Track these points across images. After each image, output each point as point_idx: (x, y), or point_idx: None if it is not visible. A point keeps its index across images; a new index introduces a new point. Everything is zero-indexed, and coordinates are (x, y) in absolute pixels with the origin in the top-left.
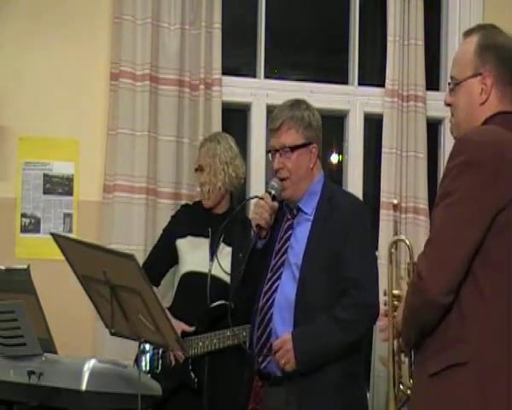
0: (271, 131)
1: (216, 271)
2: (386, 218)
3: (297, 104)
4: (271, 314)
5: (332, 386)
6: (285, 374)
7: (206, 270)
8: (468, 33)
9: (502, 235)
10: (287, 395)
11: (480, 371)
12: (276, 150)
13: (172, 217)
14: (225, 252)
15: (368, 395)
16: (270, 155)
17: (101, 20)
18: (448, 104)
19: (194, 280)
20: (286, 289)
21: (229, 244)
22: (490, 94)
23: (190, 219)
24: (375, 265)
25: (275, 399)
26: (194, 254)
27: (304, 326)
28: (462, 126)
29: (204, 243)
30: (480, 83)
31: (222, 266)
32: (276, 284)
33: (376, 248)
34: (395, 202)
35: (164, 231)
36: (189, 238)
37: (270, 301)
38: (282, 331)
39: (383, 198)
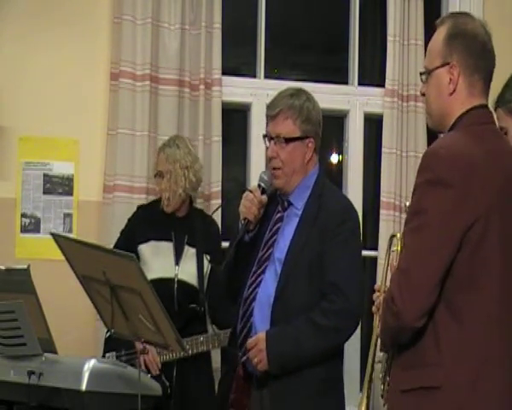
0: (268, 116)
1: (183, 275)
2: (385, 218)
3: (298, 94)
4: (252, 309)
5: (307, 391)
6: (262, 375)
7: (172, 275)
8: (440, 22)
9: (474, 254)
10: (262, 399)
11: (454, 396)
12: (272, 138)
13: (129, 220)
14: (190, 254)
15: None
16: (266, 139)
17: (101, 21)
18: (423, 94)
19: (161, 287)
20: (267, 285)
21: (192, 245)
22: (457, 84)
23: (151, 223)
24: (360, 270)
25: (254, 402)
26: (158, 260)
27: (280, 327)
28: (435, 116)
29: (167, 247)
30: (447, 73)
31: (187, 268)
32: (259, 278)
33: (376, 249)
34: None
35: (122, 233)
36: (152, 243)
37: (253, 294)
38: (261, 328)
39: (383, 198)
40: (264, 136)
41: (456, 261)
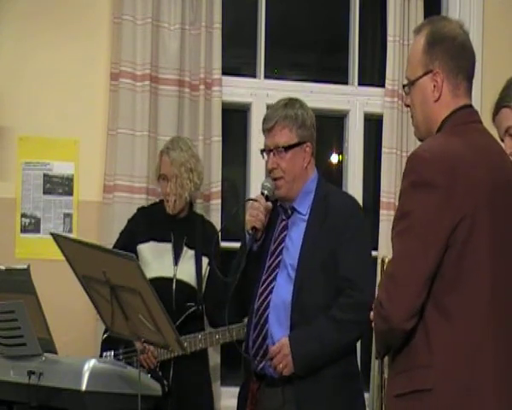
0: (265, 131)
1: (181, 275)
2: (385, 218)
3: (290, 103)
4: (267, 316)
5: (329, 386)
6: (282, 376)
7: (170, 275)
8: (417, 31)
9: (462, 253)
10: (283, 395)
11: (446, 398)
12: (270, 150)
13: (129, 220)
14: (188, 255)
15: (367, 394)
16: (264, 154)
17: (101, 20)
18: (407, 106)
19: (159, 286)
20: (281, 291)
21: (191, 247)
22: (442, 90)
23: (151, 224)
24: (371, 263)
25: (272, 399)
26: (157, 260)
27: (301, 328)
28: (422, 126)
29: (166, 247)
30: (431, 80)
31: (186, 269)
32: (271, 286)
33: (376, 249)
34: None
35: (121, 234)
36: (152, 243)
37: (266, 302)
38: (278, 333)
39: (383, 198)
40: (262, 151)
41: (445, 262)
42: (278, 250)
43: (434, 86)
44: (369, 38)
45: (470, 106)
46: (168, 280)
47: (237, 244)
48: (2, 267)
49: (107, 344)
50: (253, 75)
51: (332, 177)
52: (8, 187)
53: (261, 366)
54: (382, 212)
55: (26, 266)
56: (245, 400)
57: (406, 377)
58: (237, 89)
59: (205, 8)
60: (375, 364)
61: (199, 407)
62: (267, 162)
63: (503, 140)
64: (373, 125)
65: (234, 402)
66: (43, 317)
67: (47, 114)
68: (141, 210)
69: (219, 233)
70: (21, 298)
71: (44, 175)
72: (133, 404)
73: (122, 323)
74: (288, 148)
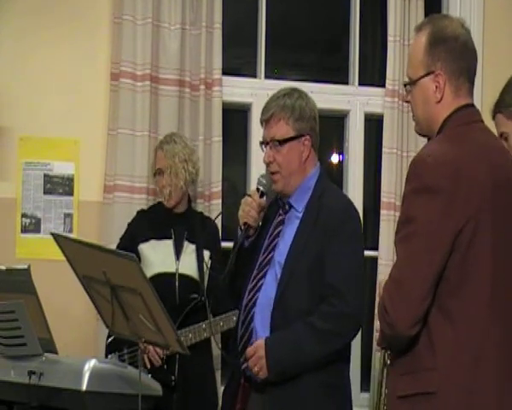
0: (262, 122)
1: (183, 269)
2: (386, 218)
3: (289, 93)
4: (253, 314)
5: (308, 396)
6: (262, 380)
7: (173, 270)
8: (418, 29)
9: (466, 256)
10: (263, 403)
11: (449, 401)
12: (267, 143)
13: (129, 224)
14: (189, 250)
15: (368, 394)
16: (263, 146)
17: (101, 20)
18: (407, 101)
19: (162, 282)
20: (268, 290)
21: (192, 242)
22: (444, 91)
23: (151, 223)
24: (361, 272)
25: (258, 405)
26: (158, 256)
27: (279, 332)
28: (423, 123)
29: (167, 243)
30: (433, 81)
31: (188, 262)
32: (260, 283)
33: (376, 249)
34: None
35: (122, 238)
36: (152, 242)
37: (253, 299)
38: (262, 333)
39: (383, 198)
40: (261, 143)
41: (449, 265)
42: (271, 246)
43: (436, 87)
44: (369, 38)
45: (472, 105)
46: (171, 275)
47: None
48: (3, 267)
49: (111, 347)
50: (254, 75)
51: (332, 177)
52: (8, 187)
53: (245, 365)
54: (382, 212)
55: (26, 266)
56: (233, 396)
57: (410, 378)
58: (237, 89)
59: (205, 8)
60: (375, 364)
61: (202, 397)
62: (265, 155)
63: None
64: (373, 125)
65: None
66: (44, 317)
67: (47, 114)
68: (140, 213)
69: (220, 215)
70: (22, 298)
71: (45, 175)
72: (133, 404)
73: (122, 323)
74: (283, 141)
